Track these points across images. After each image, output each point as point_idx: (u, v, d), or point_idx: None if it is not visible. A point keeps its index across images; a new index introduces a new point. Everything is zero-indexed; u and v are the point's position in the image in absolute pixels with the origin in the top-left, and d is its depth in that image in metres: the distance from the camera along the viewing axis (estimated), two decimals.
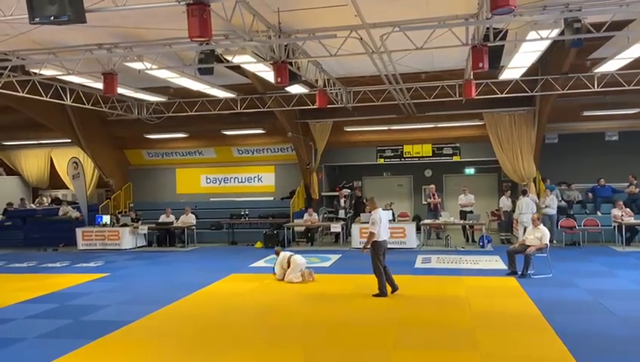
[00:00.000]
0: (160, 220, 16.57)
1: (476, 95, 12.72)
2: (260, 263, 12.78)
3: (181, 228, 16.28)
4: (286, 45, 9.54)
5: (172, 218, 16.52)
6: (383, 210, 15.05)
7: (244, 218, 17.15)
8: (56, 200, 20.40)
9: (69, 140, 18.25)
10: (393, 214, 15.37)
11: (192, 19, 6.18)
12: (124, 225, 16.40)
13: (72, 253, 15.44)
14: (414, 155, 18.61)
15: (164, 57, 10.71)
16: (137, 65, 10.44)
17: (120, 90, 12.10)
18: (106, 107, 15.05)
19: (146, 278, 11.20)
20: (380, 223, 8.69)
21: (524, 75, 12.56)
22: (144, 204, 19.47)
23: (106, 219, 16.69)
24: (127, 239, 16.06)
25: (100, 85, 10.91)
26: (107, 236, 16.15)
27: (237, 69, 12.00)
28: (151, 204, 19.32)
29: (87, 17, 6.23)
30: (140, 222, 16.59)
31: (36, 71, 11.09)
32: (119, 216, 17.55)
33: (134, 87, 13.79)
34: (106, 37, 9.48)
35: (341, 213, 16.61)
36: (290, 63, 9.95)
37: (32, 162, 21.34)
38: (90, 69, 10.96)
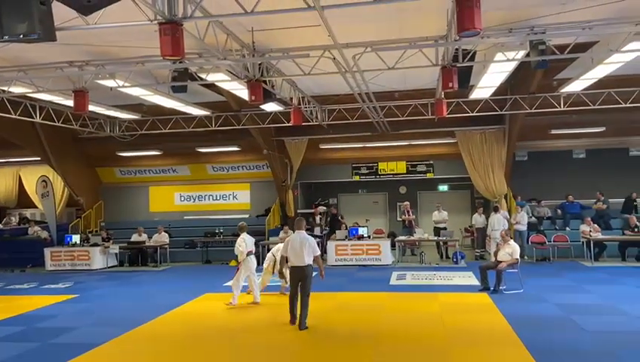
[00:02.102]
0: (132, 239, 16.28)
1: (448, 114, 13.00)
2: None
3: (154, 248, 16.02)
4: (260, 64, 9.60)
5: (144, 237, 16.25)
6: (361, 226, 15.42)
7: (219, 236, 16.98)
8: (24, 220, 19.85)
9: (39, 158, 17.87)
10: (368, 231, 15.44)
11: (164, 37, 6.18)
12: (95, 244, 16.04)
13: (40, 274, 15.02)
14: (389, 172, 18.80)
15: (137, 75, 10.65)
16: (109, 83, 10.35)
17: (91, 108, 11.98)
18: (77, 125, 14.82)
19: (117, 299, 10.95)
20: (289, 245, 7.89)
21: (494, 94, 12.90)
22: (116, 222, 19.11)
23: (76, 238, 16.29)
24: (98, 259, 15.70)
25: (70, 103, 10.76)
26: (77, 256, 15.76)
27: (211, 86, 11.99)
28: (123, 222, 18.96)
29: (57, 35, 6.16)
30: (111, 242, 16.26)
31: (5, 88, 10.88)
32: (90, 235, 17.18)
33: (106, 105, 13.63)
34: (78, 54, 9.40)
35: (317, 231, 16.60)
36: (265, 82, 10.01)
37: (0, 181, 20.79)
38: (60, 86, 10.81)
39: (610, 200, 15.48)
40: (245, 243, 9.59)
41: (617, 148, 16.96)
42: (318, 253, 8.03)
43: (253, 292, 9.81)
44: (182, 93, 10.87)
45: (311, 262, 7.82)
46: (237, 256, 9.72)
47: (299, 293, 7.84)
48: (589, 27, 8.26)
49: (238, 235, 9.82)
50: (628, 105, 13.16)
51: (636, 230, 13.77)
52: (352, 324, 8.15)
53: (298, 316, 7.80)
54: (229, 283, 12.26)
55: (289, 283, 8.08)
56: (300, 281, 7.80)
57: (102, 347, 7.21)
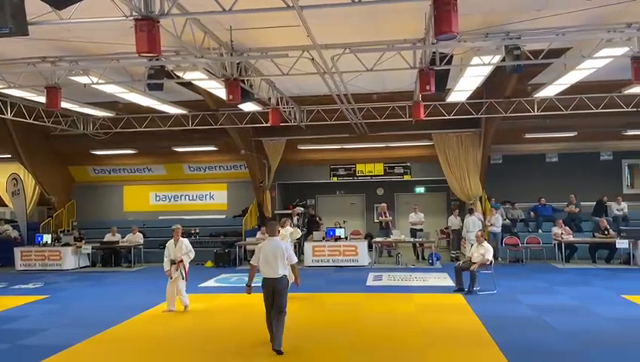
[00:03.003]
0: (105, 239, 15.99)
1: (425, 116, 13.12)
2: (210, 283, 12.53)
3: (127, 248, 15.76)
4: (238, 63, 9.54)
5: (118, 237, 15.97)
6: (339, 227, 15.41)
7: (195, 237, 16.79)
8: None
9: (9, 156, 17.41)
10: (345, 232, 15.49)
11: (140, 34, 6.07)
12: (67, 244, 15.71)
13: (10, 274, 14.62)
14: (367, 174, 18.89)
15: (112, 72, 10.46)
16: (83, 80, 10.14)
17: (64, 105, 11.72)
18: (49, 122, 14.47)
19: (89, 300, 10.73)
20: (260, 253, 6.73)
21: (470, 98, 13.07)
22: (89, 222, 18.71)
23: (47, 238, 15.93)
24: (70, 259, 15.40)
25: (43, 99, 10.52)
26: (48, 256, 15.43)
27: (188, 85, 11.84)
28: (96, 222, 18.60)
29: (30, 30, 6.02)
30: (83, 241, 15.94)
31: None
32: (61, 234, 16.81)
33: (80, 102, 13.36)
34: (51, 50, 9.18)
35: None
36: (243, 81, 9.95)
37: None
38: (32, 82, 10.56)
39: (581, 203, 15.84)
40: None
41: (589, 152, 17.37)
42: (295, 260, 7.07)
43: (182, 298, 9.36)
44: (158, 91, 10.72)
45: (286, 273, 6.75)
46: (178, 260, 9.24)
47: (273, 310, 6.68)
48: (563, 33, 8.44)
49: (187, 236, 9.89)
50: (599, 110, 13.48)
51: (606, 233, 14.11)
52: (328, 325, 8.16)
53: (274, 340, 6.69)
54: (203, 285, 12.22)
55: (264, 297, 6.75)
56: (274, 295, 6.64)
57: (72, 348, 7.06)
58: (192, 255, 9.56)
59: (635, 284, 10.96)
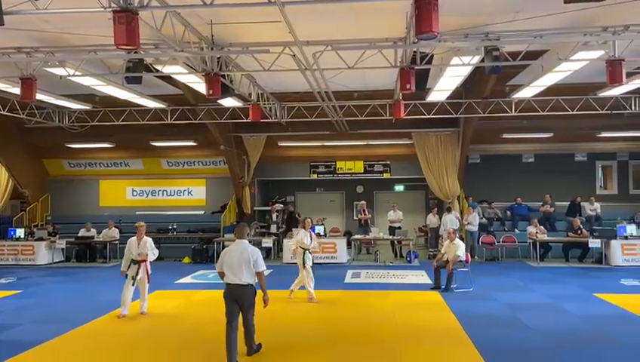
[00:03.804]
0: (79, 234, 15.72)
1: (405, 115, 13.21)
2: (187, 279, 12.42)
3: (103, 243, 15.52)
4: (219, 58, 9.45)
5: (93, 232, 15.73)
6: (318, 224, 15.43)
7: (172, 232, 16.63)
8: None
9: None
10: (325, 229, 15.51)
11: (118, 26, 5.97)
12: (40, 238, 15.40)
13: None
14: (347, 171, 18.94)
15: (89, 64, 10.27)
16: (59, 71, 9.94)
17: (39, 96, 11.48)
18: (23, 113, 14.14)
19: (63, 295, 10.55)
20: (224, 258, 6.13)
21: (450, 97, 13.20)
22: (63, 216, 18.37)
23: (20, 232, 15.61)
24: (43, 254, 15.12)
25: (17, 90, 10.27)
26: (20, 251, 15.12)
27: (168, 79, 11.72)
28: (71, 217, 18.28)
29: (5, 19, 5.90)
30: (57, 236, 15.64)
31: None
32: (35, 229, 16.47)
33: (56, 94, 13.09)
34: (26, 40, 8.97)
35: (273, 228, 16.53)
36: (223, 76, 9.86)
37: None
38: (7, 73, 10.33)
39: (556, 203, 16.14)
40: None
41: (564, 153, 17.72)
42: (262, 268, 6.13)
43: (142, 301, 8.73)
44: (136, 84, 10.57)
45: (252, 282, 6.03)
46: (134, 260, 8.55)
47: (237, 322, 6.01)
48: (540, 36, 8.58)
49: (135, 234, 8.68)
50: (574, 112, 13.76)
51: (579, 232, 14.41)
52: (305, 322, 8.16)
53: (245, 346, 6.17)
54: (180, 281, 12.10)
55: (226, 307, 6.04)
56: (238, 305, 5.97)
57: (45, 345, 6.94)
58: (155, 254, 8.76)
59: (607, 283, 11.23)
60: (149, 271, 8.70)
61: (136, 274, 8.48)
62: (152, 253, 8.67)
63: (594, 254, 14.32)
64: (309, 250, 9.76)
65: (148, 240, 8.65)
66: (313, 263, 9.96)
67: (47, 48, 9.32)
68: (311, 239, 9.89)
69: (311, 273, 9.72)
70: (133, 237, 8.68)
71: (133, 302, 8.63)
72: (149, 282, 8.71)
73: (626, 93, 13.32)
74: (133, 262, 8.49)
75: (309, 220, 10.22)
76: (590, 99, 13.62)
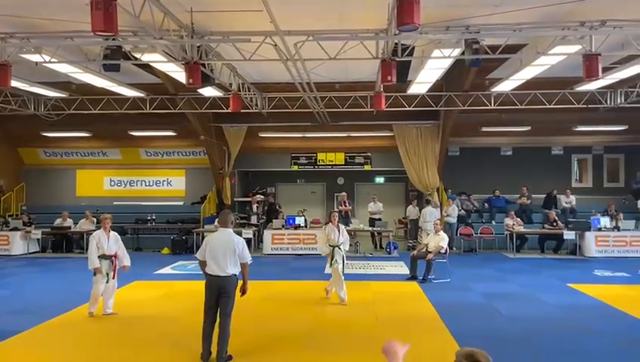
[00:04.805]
0: (55, 224, 15.46)
1: (386, 107, 13.25)
2: (166, 270, 12.33)
3: (79, 233, 15.29)
4: (199, 46, 9.33)
5: (69, 222, 15.47)
6: (299, 215, 15.45)
7: (151, 223, 16.46)
8: None
9: None
10: (305, 221, 15.53)
11: (96, 12, 5.86)
12: (15, 229, 15.12)
13: None
14: (328, 163, 18.95)
15: (66, 50, 10.05)
16: (34, 58, 9.68)
17: (14, 83, 11.16)
18: None
19: (38, 286, 10.39)
20: (207, 247, 5.85)
21: (430, 90, 13.28)
22: (39, 206, 18.02)
23: None
24: (18, 244, 14.88)
25: None
26: None
27: (146, 67, 11.54)
28: (47, 207, 17.90)
29: None
30: (32, 226, 15.35)
31: None
32: (9, 219, 16.15)
33: (31, 81, 12.77)
34: (1, 26, 8.72)
35: (253, 219, 16.49)
36: (203, 65, 9.75)
37: None
38: None
39: (532, 195, 16.43)
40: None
41: (541, 147, 18.01)
42: (248, 259, 5.97)
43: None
44: (114, 72, 10.40)
45: (236, 272, 5.83)
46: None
47: (216, 314, 5.80)
48: (519, 29, 8.67)
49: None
50: (552, 106, 13.98)
51: (555, 224, 14.70)
52: (285, 313, 8.19)
53: (216, 347, 5.77)
54: (159, 272, 12.01)
55: (205, 298, 5.87)
56: (220, 297, 5.75)
57: (18, 336, 6.84)
58: (128, 260, 8.14)
59: (580, 274, 11.51)
60: (116, 269, 8.02)
61: (111, 269, 7.93)
62: (126, 259, 8.09)
63: (569, 246, 14.63)
64: (338, 246, 8.81)
65: (118, 237, 8.10)
66: (344, 262, 8.87)
67: (22, 34, 9.07)
68: (339, 233, 8.84)
69: (341, 275, 8.66)
70: (98, 231, 7.98)
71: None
72: (114, 278, 8.02)
73: (602, 87, 13.58)
74: (104, 257, 7.89)
75: (335, 213, 9.11)
76: (567, 94, 13.85)
